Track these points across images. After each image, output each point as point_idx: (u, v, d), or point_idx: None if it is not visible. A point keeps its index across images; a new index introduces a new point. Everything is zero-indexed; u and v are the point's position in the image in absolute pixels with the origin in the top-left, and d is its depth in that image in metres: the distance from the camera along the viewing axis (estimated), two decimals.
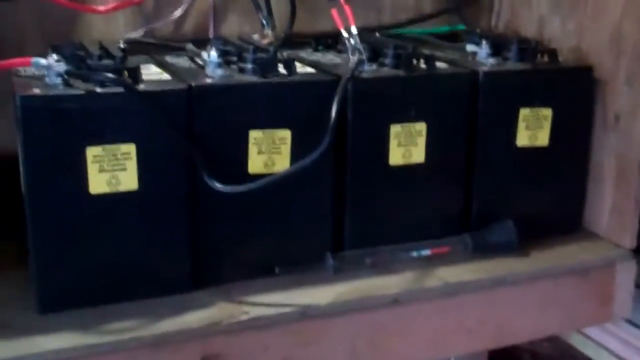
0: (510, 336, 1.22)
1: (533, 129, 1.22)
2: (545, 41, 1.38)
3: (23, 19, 1.18)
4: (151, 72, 1.08)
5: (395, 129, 1.13)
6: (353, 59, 1.12)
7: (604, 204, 1.29)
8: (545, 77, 1.24)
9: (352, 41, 1.14)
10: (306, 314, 1.04)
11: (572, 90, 1.26)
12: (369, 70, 1.14)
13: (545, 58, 1.26)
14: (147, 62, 1.16)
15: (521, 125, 1.22)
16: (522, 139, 1.22)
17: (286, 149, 1.06)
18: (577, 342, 1.48)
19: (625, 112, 1.24)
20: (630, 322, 1.34)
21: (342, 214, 1.14)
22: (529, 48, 1.26)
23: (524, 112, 1.21)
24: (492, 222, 1.21)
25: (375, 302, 1.08)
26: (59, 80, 0.96)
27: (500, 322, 1.19)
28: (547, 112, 1.23)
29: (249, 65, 1.08)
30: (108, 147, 0.96)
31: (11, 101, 0.93)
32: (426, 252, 1.16)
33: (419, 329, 1.13)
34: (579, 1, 1.31)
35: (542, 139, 1.23)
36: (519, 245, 1.20)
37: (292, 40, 1.30)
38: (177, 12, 1.27)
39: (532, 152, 1.23)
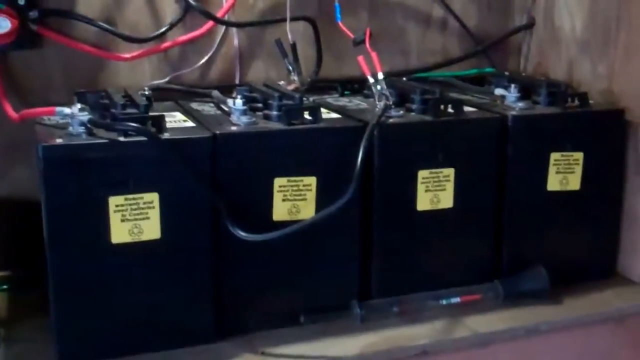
0: None
1: (564, 173, 1.20)
2: (575, 83, 1.37)
3: (49, 66, 1.19)
4: (176, 120, 1.08)
5: (423, 175, 1.12)
6: (380, 104, 1.11)
7: (639, 249, 1.26)
8: (575, 121, 1.22)
9: (378, 87, 1.13)
10: None
11: (604, 134, 1.24)
12: (396, 115, 1.13)
13: (576, 101, 1.24)
14: (173, 108, 1.17)
15: (552, 169, 1.20)
16: (553, 184, 1.20)
17: (311, 195, 1.05)
18: None
19: None
20: None
21: (369, 261, 1.12)
22: (558, 91, 1.24)
23: (554, 157, 1.19)
24: (523, 269, 1.19)
25: (403, 353, 1.06)
26: (82, 130, 0.96)
27: None
28: (579, 156, 1.21)
29: (275, 112, 1.08)
30: (131, 196, 0.95)
31: (35, 150, 0.93)
32: (456, 300, 1.14)
33: None
34: (609, 43, 1.30)
35: (574, 183, 1.21)
36: (552, 292, 1.18)
37: (319, 86, 1.30)
38: (203, 59, 1.28)
39: (564, 196, 1.21)
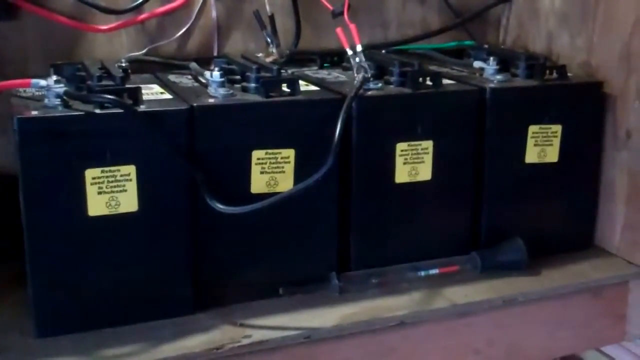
0: (521, 358, 1.19)
1: (542, 145, 1.20)
2: (554, 56, 1.37)
3: (26, 38, 1.18)
4: (153, 92, 1.07)
5: (401, 147, 1.12)
6: (358, 77, 1.11)
7: (616, 221, 1.27)
8: (554, 94, 1.22)
9: (357, 59, 1.13)
10: (311, 337, 1.02)
11: (582, 106, 1.24)
12: (374, 88, 1.13)
13: (554, 74, 1.24)
14: (150, 81, 1.16)
15: (530, 142, 1.20)
16: (531, 156, 1.20)
17: (290, 168, 1.05)
18: (591, 358, 1.45)
19: (636, 128, 1.22)
20: None
21: (348, 233, 1.12)
22: (537, 64, 1.24)
23: (533, 129, 1.20)
24: (501, 240, 1.19)
25: (381, 323, 1.07)
26: (57, 102, 0.95)
27: (510, 343, 1.17)
28: (557, 129, 1.21)
29: (252, 85, 1.07)
30: (107, 169, 0.94)
31: (10, 122, 0.92)
32: (434, 272, 1.15)
33: (427, 351, 1.12)
34: (588, 16, 1.30)
35: (552, 155, 1.21)
36: (529, 263, 1.18)
37: (297, 58, 1.30)
38: (181, 31, 1.27)
39: (542, 168, 1.21)
